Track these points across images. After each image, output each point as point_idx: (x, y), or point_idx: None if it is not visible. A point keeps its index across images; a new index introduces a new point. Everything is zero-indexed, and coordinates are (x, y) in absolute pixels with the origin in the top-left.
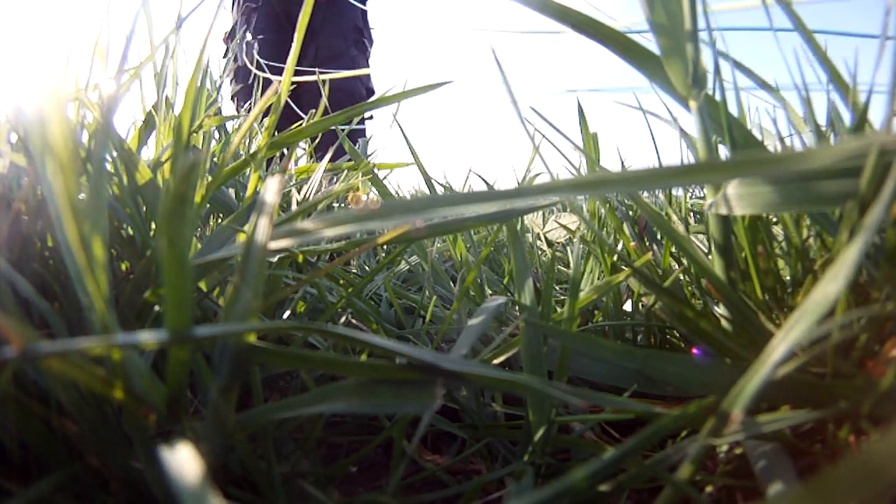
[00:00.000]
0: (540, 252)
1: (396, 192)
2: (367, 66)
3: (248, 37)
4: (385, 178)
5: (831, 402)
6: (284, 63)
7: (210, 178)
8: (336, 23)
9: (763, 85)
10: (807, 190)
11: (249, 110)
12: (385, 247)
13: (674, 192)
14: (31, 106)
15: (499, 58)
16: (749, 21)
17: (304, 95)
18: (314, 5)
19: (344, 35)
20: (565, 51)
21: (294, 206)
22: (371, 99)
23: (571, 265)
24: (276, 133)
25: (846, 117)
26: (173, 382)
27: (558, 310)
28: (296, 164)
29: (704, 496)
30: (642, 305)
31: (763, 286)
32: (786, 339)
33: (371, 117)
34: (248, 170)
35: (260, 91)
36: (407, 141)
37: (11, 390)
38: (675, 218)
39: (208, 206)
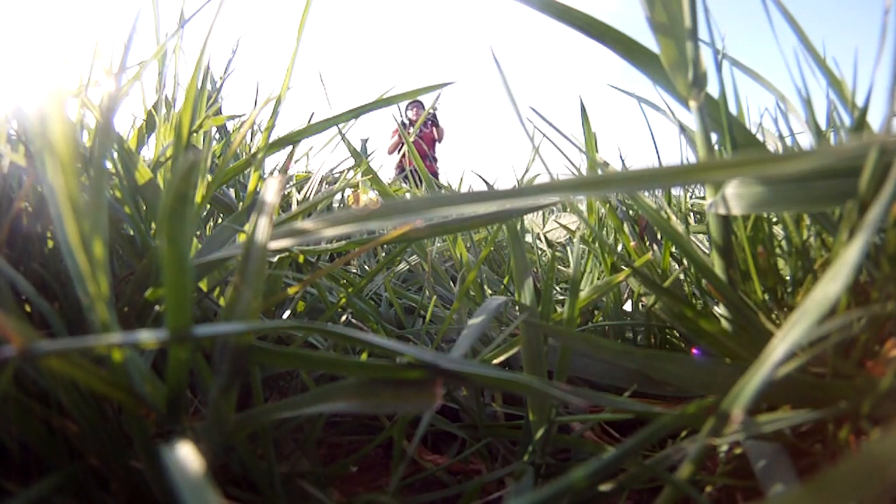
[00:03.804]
0: (540, 252)
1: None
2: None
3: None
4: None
5: (831, 402)
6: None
7: (210, 178)
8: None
9: (763, 84)
10: (807, 190)
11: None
12: (385, 246)
13: (674, 191)
14: (32, 105)
15: (498, 58)
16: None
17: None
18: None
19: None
20: (565, 50)
21: (294, 207)
22: (374, 100)
23: (571, 265)
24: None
25: (846, 118)
26: (173, 382)
27: (558, 310)
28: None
29: (704, 496)
30: (642, 305)
31: (763, 286)
32: (786, 339)
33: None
34: (248, 169)
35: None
36: (407, 142)
37: (11, 390)
38: (674, 218)
39: (209, 206)
